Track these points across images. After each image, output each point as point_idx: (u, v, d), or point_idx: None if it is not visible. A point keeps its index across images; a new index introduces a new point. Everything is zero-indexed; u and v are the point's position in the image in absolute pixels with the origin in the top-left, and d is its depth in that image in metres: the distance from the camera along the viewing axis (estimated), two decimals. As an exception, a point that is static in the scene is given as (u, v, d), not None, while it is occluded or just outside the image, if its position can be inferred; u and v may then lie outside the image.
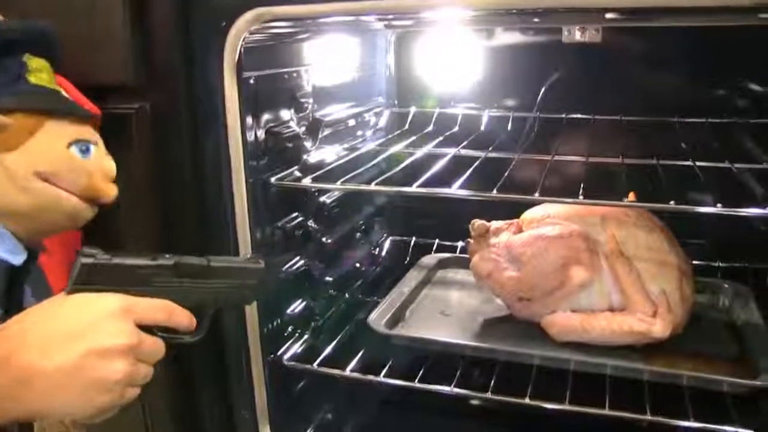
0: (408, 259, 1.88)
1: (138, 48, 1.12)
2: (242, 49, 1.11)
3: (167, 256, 0.88)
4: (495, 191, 1.19)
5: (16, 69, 0.97)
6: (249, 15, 1.07)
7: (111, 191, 1.05)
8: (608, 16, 1.08)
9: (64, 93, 1.03)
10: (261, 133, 1.28)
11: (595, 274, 1.32)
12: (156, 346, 0.83)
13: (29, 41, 1.00)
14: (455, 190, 1.24)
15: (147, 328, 0.83)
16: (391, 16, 1.24)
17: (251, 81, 1.21)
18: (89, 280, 0.82)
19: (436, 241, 1.91)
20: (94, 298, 0.81)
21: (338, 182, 1.32)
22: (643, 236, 1.34)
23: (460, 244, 1.84)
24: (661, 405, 1.19)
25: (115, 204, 1.05)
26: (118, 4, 1.10)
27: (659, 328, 1.26)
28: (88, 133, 1.03)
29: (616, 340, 1.30)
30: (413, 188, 1.26)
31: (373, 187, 1.31)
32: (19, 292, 0.98)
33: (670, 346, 1.30)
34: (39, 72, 1.00)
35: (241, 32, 1.09)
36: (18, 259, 0.99)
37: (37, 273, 1.03)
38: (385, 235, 1.98)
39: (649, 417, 1.17)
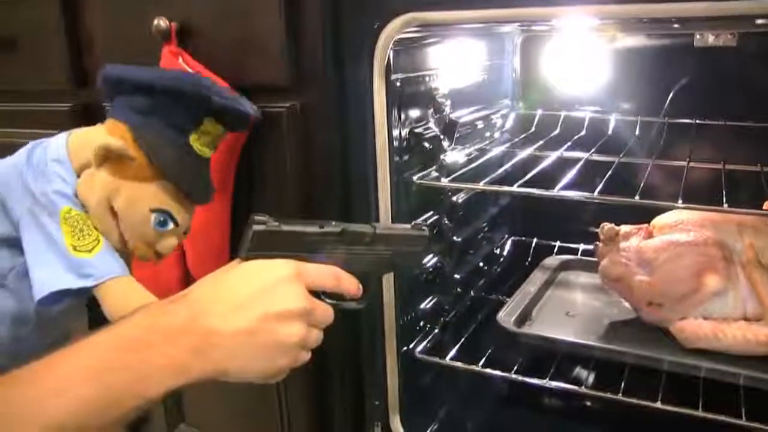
0: (529, 259, 1.89)
1: (292, 50, 1.16)
2: (391, 52, 1.14)
3: (333, 223, 0.88)
4: (637, 197, 1.21)
5: (190, 121, 1.04)
6: (401, 19, 1.08)
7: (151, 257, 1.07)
8: (759, 21, 1.07)
9: (206, 168, 1.09)
10: (405, 134, 1.32)
11: (731, 282, 1.31)
12: (326, 311, 0.86)
13: (226, 113, 1.06)
14: (598, 195, 1.26)
15: (315, 294, 0.85)
16: (528, 23, 1.25)
17: (397, 83, 1.24)
18: (260, 246, 0.84)
19: (558, 242, 1.91)
20: (267, 264, 0.83)
21: (481, 183, 1.36)
22: (782, 246, 1.33)
23: (581, 246, 1.84)
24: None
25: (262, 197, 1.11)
26: (275, 8, 1.14)
27: (800, 341, 1.24)
28: (180, 209, 1.06)
29: (749, 349, 1.28)
30: (555, 191, 1.28)
31: (515, 189, 1.34)
32: None
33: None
34: (204, 135, 1.06)
35: (391, 35, 1.10)
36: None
37: None
38: (506, 235, 2.00)
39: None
